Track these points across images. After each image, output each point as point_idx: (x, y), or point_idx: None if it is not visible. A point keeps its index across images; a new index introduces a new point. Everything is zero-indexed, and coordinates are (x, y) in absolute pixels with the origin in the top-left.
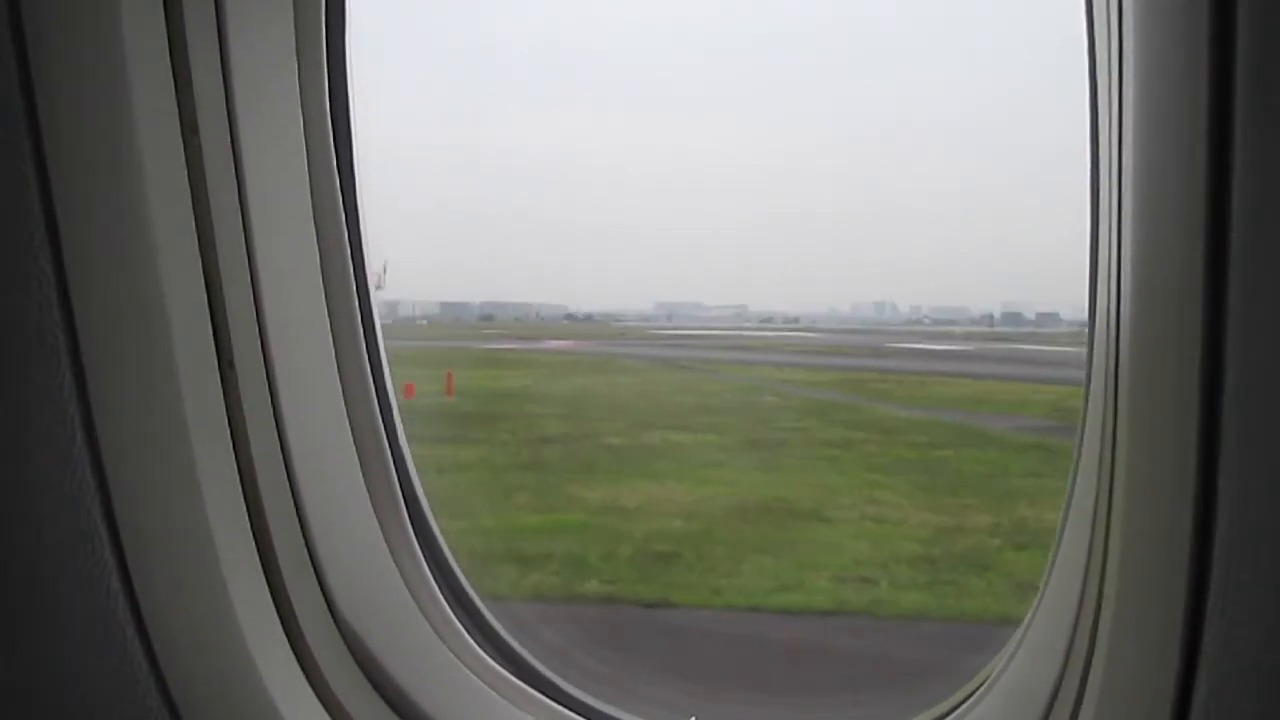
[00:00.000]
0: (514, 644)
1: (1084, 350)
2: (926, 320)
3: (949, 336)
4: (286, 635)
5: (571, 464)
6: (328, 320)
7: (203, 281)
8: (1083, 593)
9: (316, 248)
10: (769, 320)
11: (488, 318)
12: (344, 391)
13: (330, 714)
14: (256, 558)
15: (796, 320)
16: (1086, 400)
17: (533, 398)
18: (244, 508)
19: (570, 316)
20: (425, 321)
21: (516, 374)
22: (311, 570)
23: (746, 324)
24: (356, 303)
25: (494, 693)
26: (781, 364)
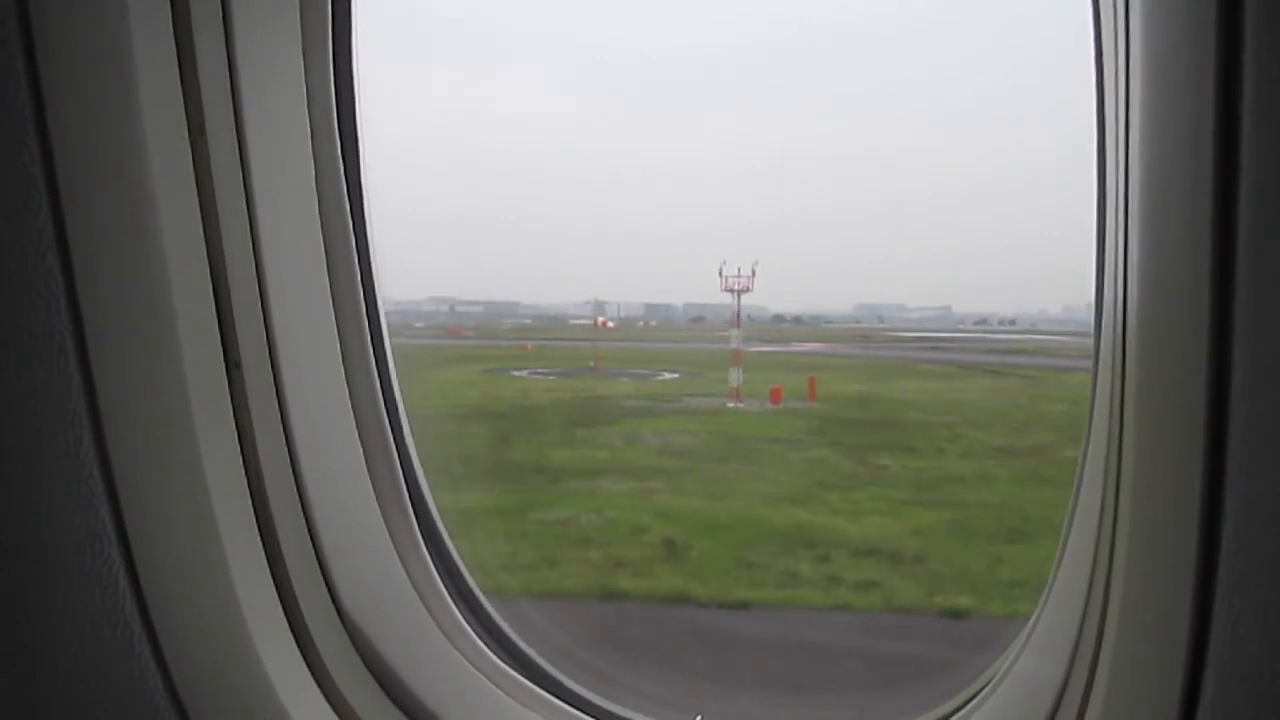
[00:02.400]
0: (519, 642)
1: None
2: None
3: None
4: (293, 633)
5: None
6: (333, 320)
7: (209, 281)
8: (1089, 591)
9: (322, 248)
10: (983, 321)
11: (698, 319)
12: (349, 390)
13: (336, 711)
14: (263, 556)
15: (1013, 322)
16: (1093, 399)
17: (898, 403)
18: (250, 506)
19: (778, 318)
20: (644, 323)
21: (832, 378)
22: (317, 568)
23: (962, 325)
24: (362, 302)
25: (499, 690)
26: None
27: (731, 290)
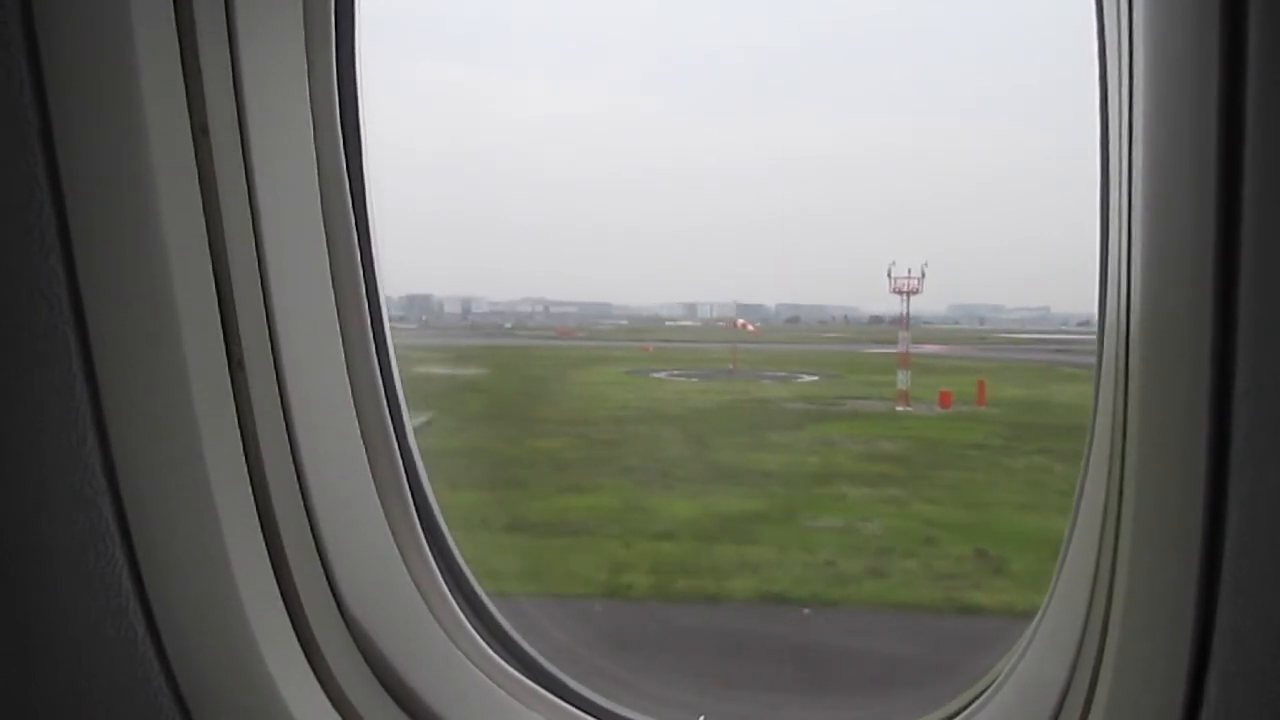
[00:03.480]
0: (522, 643)
1: None
2: None
3: None
4: (295, 633)
5: None
6: (337, 320)
7: (212, 281)
8: (1093, 593)
9: (325, 247)
10: (1086, 323)
11: (793, 320)
12: (353, 391)
13: (338, 710)
14: (266, 557)
15: None
16: (1096, 401)
17: (1071, 407)
18: (253, 507)
19: (875, 319)
20: (742, 324)
21: (972, 381)
22: (320, 567)
23: (1065, 326)
24: (365, 302)
25: (502, 691)
26: None
27: (900, 292)
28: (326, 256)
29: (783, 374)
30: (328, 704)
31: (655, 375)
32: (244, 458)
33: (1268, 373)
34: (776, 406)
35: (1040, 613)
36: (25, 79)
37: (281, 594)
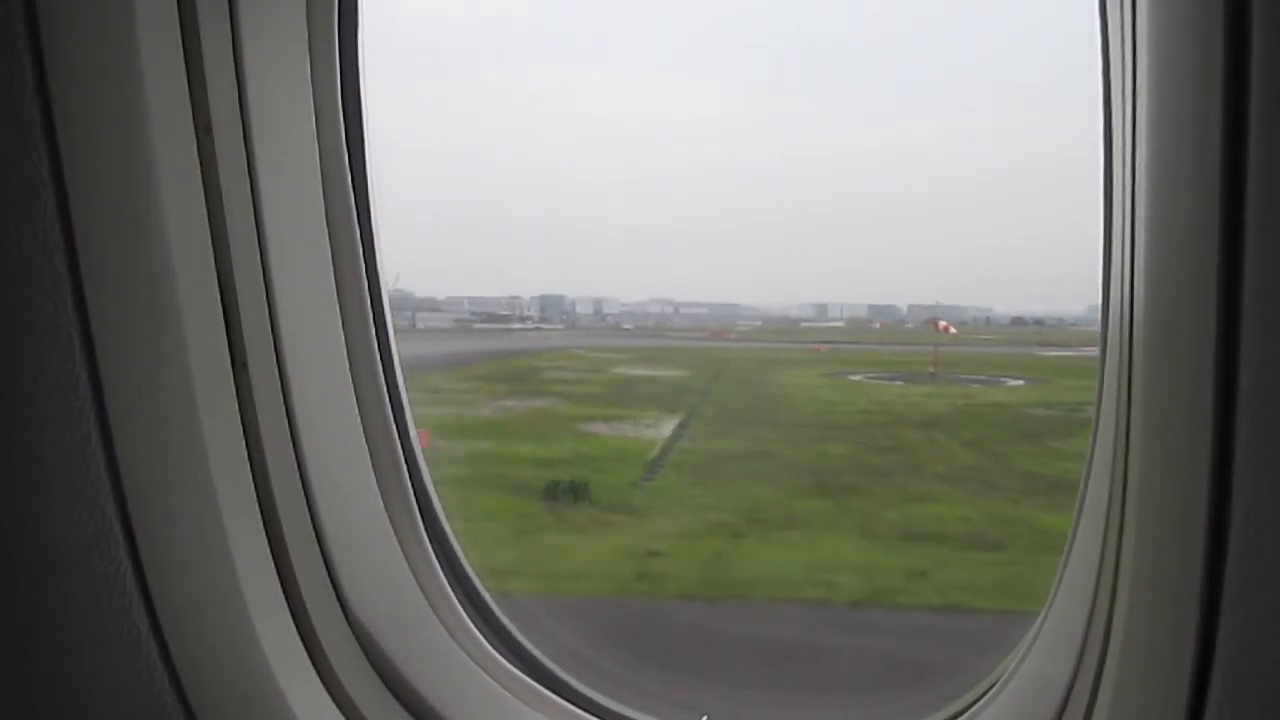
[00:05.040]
0: (526, 644)
1: None
2: None
3: None
4: (300, 634)
5: None
6: (340, 320)
7: (216, 282)
8: (1096, 591)
9: (329, 248)
10: None
11: (931, 321)
12: (356, 391)
13: (341, 710)
14: (268, 555)
15: None
16: (1100, 399)
17: None
18: (257, 508)
19: (1018, 320)
20: (881, 324)
21: None
22: (323, 568)
23: None
24: (369, 302)
25: (506, 692)
26: None
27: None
28: (330, 256)
29: (983, 378)
30: (330, 703)
31: (852, 379)
32: (247, 458)
33: (1271, 372)
34: (1017, 412)
35: (1043, 613)
36: (29, 79)
37: (284, 593)
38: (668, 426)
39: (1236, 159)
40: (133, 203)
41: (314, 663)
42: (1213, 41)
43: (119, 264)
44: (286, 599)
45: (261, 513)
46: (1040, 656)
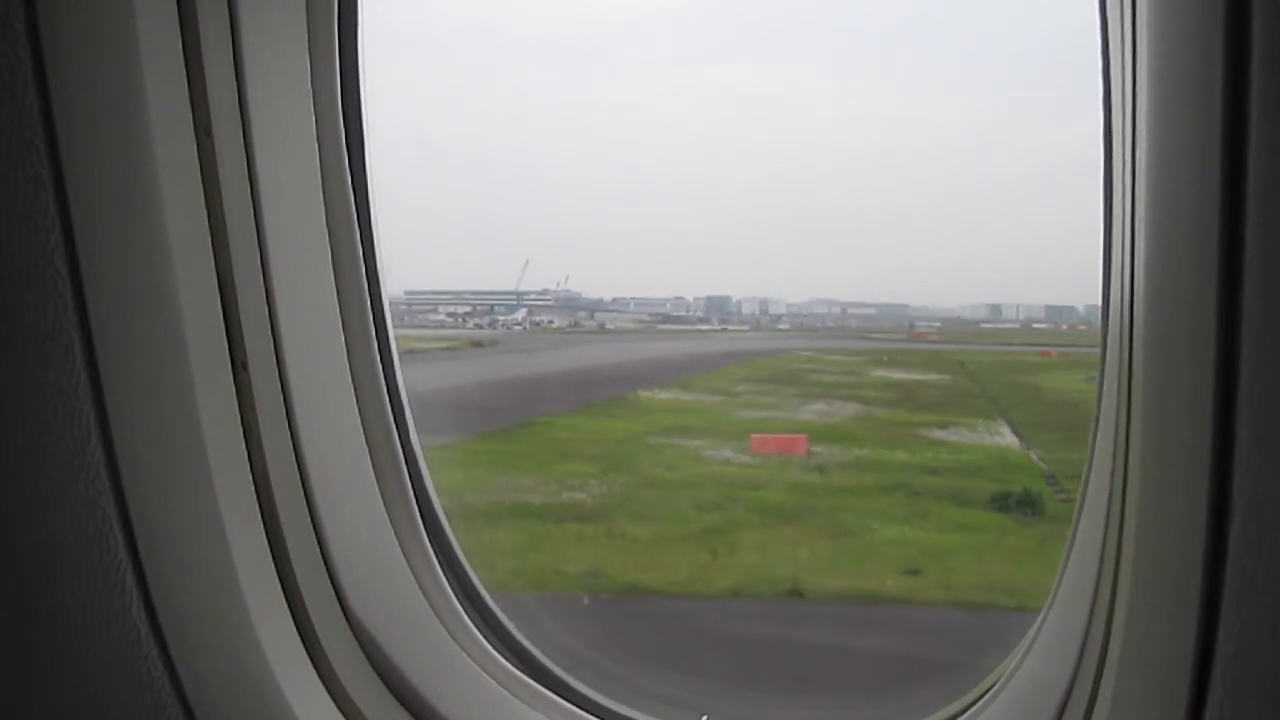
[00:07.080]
0: (526, 643)
1: None
2: None
3: None
4: (300, 634)
5: None
6: (340, 321)
7: (216, 283)
8: (1096, 592)
9: (329, 249)
10: None
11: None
12: (356, 392)
13: (341, 710)
14: (269, 556)
15: None
16: (1100, 398)
17: None
18: (257, 508)
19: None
20: (1069, 326)
21: None
22: (323, 568)
23: None
24: (369, 303)
25: (506, 692)
26: None
27: None
28: (330, 257)
29: None
30: (331, 703)
31: None
32: (247, 459)
33: (1272, 372)
34: None
35: (1043, 612)
36: (29, 81)
37: (285, 594)
38: (1005, 435)
39: (1236, 159)
40: (133, 204)
41: (314, 663)
42: (1213, 41)
43: (119, 264)
44: (286, 599)
45: (261, 513)
46: (1040, 656)
